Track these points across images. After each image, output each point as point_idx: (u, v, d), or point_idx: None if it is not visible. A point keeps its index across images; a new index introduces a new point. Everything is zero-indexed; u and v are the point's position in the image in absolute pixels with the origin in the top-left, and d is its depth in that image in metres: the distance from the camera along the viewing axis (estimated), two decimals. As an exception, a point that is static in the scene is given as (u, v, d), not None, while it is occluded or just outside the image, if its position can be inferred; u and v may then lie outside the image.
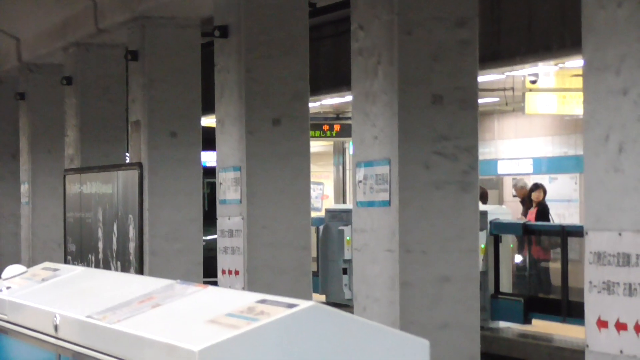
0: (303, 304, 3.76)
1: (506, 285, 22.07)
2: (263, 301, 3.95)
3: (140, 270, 17.77)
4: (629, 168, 9.38)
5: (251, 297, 4.13)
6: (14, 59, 25.86)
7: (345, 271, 24.52)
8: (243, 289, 15.21)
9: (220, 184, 16.81)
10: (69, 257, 21.05)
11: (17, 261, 18.45)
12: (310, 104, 18.90)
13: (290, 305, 3.73)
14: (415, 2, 12.51)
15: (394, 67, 12.53)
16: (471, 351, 12.48)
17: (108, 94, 21.28)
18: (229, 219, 16.49)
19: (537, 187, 30.64)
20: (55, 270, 6.07)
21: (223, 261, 16.68)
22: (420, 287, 12.46)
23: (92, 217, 20.20)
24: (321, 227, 26.54)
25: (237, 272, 16.14)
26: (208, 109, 17.94)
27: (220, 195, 16.80)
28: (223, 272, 16.57)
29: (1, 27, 24.96)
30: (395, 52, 12.51)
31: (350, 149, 42.79)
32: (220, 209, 16.85)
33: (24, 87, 25.75)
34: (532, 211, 28.48)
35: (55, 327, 4.99)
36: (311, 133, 20.11)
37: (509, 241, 22.15)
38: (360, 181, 13.13)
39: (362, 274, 13.11)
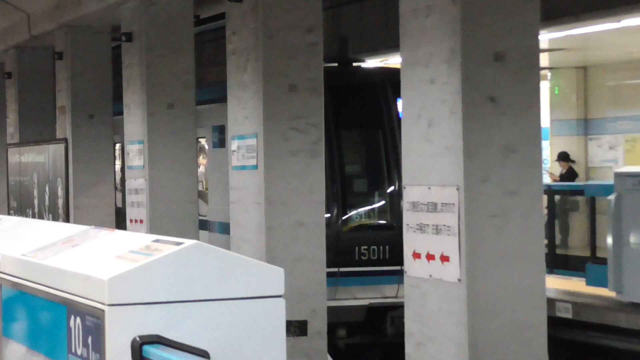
0: (187, 242, 3.77)
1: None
2: (157, 241, 3.94)
3: (67, 220, 17.60)
4: (435, 139, 9.47)
5: (149, 238, 4.13)
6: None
7: None
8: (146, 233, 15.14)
9: (128, 154, 16.75)
10: (11, 211, 20.79)
11: (-28, 215, 18.27)
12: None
13: (177, 244, 3.73)
14: (275, 13, 12.48)
15: (259, 63, 12.52)
16: (318, 278, 12.55)
17: (40, 85, 21.11)
18: (135, 180, 16.46)
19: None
20: (-2, 219, 6.00)
21: (130, 212, 16.68)
22: (280, 230, 12.48)
23: (29, 180, 20.01)
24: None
25: (141, 221, 16.12)
26: (118, 96, 17.76)
27: (128, 162, 16.76)
28: (131, 221, 16.54)
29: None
30: (260, 52, 12.50)
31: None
32: (127, 172, 16.80)
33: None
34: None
35: (-3, 263, 4.93)
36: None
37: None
38: (234, 150, 13.14)
39: (237, 221, 13.13)
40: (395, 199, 13.84)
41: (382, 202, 13.95)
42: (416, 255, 9.68)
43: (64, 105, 19.29)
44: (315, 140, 12.66)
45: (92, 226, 4.83)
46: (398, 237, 12.10)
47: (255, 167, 12.67)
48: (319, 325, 12.54)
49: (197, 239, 14.01)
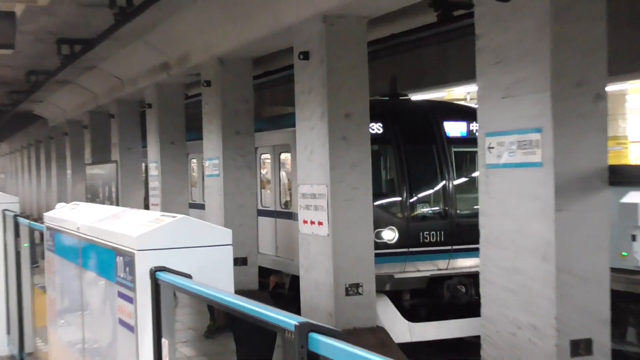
0: (179, 216, 3.68)
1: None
2: (163, 215, 3.85)
3: (117, 205, 17.39)
4: (315, 159, 9.44)
5: (158, 213, 4.03)
6: (62, 118, 25.11)
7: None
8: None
9: (149, 168, 16.58)
10: (87, 200, 20.44)
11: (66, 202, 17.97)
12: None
13: (174, 217, 3.65)
14: (227, 92, 12.36)
15: (219, 119, 12.40)
16: (252, 235, 12.42)
17: (102, 132, 20.89)
18: (153, 183, 16.29)
19: None
20: (78, 204, 5.87)
21: (152, 200, 16.48)
22: (231, 210, 12.36)
23: (97, 183, 19.76)
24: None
25: (157, 205, 15.91)
26: (144, 137, 17.62)
27: (150, 173, 16.58)
28: (152, 205, 16.33)
29: (55, 104, 24.20)
30: (220, 114, 12.38)
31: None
32: (150, 179, 16.63)
33: (66, 130, 25.21)
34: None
35: (78, 228, 4.81)
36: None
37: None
38: (207, 166, 13.02)
39: (209, 205, 12.98)
40: (447, 197, 10.86)
41: (438, 200, 10.93)
42: (305, 222, 9.65)
43: (115, 142, 19.12)
44: (250, 160, 12.58)
45: (128, 207, 4.77)
46: (449, 225, 10.67)
47: (218, 175, 12.55)
48: (253, 260, 12.45)
49: (188, 214, 13.88)
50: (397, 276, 10.38)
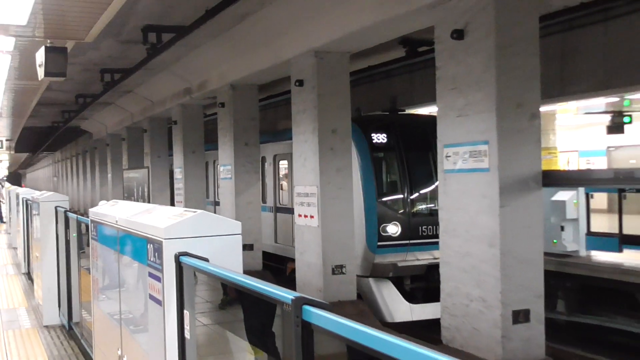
0: (199, 211, 3.63)
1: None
2: (186, 210, 3.80)
3: (149, 202, 17.24)
4: (308, 165, 9.38)
5: (182, 209, 3.97)
6: (104, 133, 24.93)
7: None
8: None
9: (174, 173, 16.45)
10: (124, 198, 20.32)
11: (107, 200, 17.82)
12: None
13: (195, 212, 3.60)
14: (238, 110, 12.30)
15: (231, 133, 12.32)
16: (256, 226, 12.34)
17: (137, 144, 20.77)
18: (178, 184, 16.15)
19: None
20: (116, 202, 5.80)
21: (176, 198, 16.34)
22: (241, 206, 12.31)
23: (133, 185, 19.60)
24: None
25: (181, 202, 15.80)
26: (170, 147, 17.49)
27: (175, 176, 16.44)
28: (176, 202, 16.21)
29: (99, 121, 24.03)
30: (232, 129, 12.32)
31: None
32: (175, 182, 16.48)
33: (107, 142, 24.98)
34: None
35: (116, 221, 4.74)
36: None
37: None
38: (221, 171, 12.94)
39: (223, 202, 12.91)
40: None
41: (434, 198, 10.36)
42: (300, 216, 9.61)
43: (147, 151, 18.92)
44: (256, 167, 12.52)
45: (157, 204, 4.71)
46: None
47: (230, 178, 12.48)
48: (258, 246, 12.38)
49: (207, 210, 13.80)
50: (399, 264, 10.13)
